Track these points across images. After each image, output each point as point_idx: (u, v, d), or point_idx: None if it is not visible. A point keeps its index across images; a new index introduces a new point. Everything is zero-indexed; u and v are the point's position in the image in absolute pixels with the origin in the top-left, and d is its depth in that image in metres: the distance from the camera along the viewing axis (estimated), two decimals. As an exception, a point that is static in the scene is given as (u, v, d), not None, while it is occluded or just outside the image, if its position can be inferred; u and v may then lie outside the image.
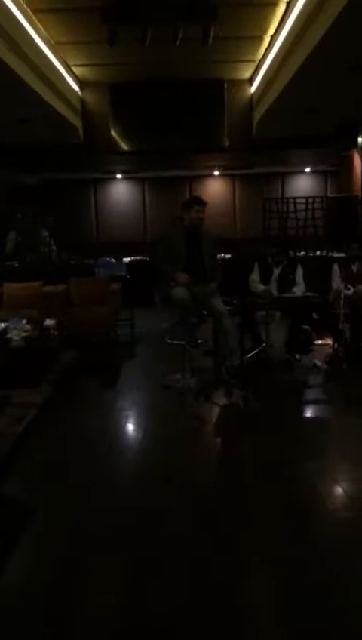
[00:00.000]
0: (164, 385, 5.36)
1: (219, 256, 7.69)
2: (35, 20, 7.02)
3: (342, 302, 5.74)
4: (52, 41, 7.84)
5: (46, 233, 11.66)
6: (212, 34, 7.18)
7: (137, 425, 4.51)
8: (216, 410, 4.88)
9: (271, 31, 7.76)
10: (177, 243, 5.38)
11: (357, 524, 2.90)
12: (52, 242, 11.59)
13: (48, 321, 5.99)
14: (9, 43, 6.03)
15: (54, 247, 11.53)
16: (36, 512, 3.09)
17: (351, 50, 5.94)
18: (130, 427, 4.48)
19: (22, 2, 6.45)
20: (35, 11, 6.87)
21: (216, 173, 13.39)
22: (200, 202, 5.44)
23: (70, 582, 2.48)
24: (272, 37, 7.89)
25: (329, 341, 6.21)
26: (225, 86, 10.26)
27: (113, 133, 10.40)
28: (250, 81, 10.23)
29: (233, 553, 2.67)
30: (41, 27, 7.28)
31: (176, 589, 2.41)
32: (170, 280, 5.28)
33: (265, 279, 5.96)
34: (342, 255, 6.34)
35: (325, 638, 2.13)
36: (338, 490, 3.28)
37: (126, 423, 4.54)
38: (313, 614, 2.24)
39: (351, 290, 5.91)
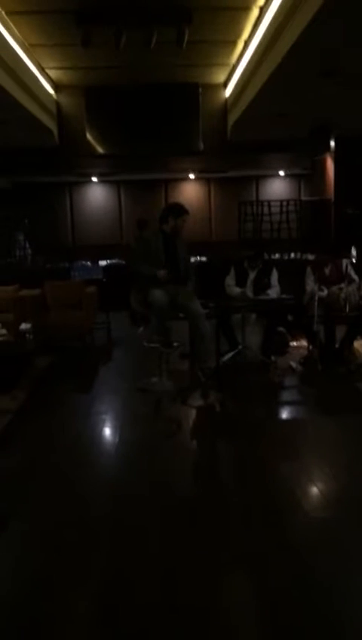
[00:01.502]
0: (140, 388, 5.35)
1: (193, 259, 7.75)
2: (10, 22, 6.97)
3: (316, 304, 5.81)
4: (26, 44, 7.79)
5: (21, 237, 11.57)
6: (186, 38, 7.21)
7: (113, 429, 4.50)
8: (193, 412, 4.90)
9: (245, 35, 7.82)
10: (156, 245, 5.44)
11: (332, 524, 2.93)
12: (27, 245, 11.52)
13: (24, 325, 5.94)
14: (-18, 45, 5.98)
15: (29, 251, 11.46)
16: (7, 520, 3.06)
17: (324, 55, 6.02)
18: (107, 431, 4.46)
19: (-5, 4, 6.41)
20: (9, 13, 6.81)
21: (192, 176, 13.43)
22: (187, 211, 5.58)
23: (40, 592, 2.46)
24: (246, 41, 7.96)
25: (304, 343, 6.28)
26: (200, 90, 10.30)
27: (89, 136, 10.37)
28: (225, 85, 10.30)
29: (209, 555, 2.68)
30: (15, 29, 7.23)
31: (151, 591, 2.42)
32: (147, 281, 5.29)
33: (241, 282, 6.01)
34: (315, 258, 6.41)
35: (301, 636, 2.16)
36: (314, 490, 3.32)
37: (102, 427, 4.53)
38: (288, 612, 2.26)
39: (325, 292, 5.98)
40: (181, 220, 5.50)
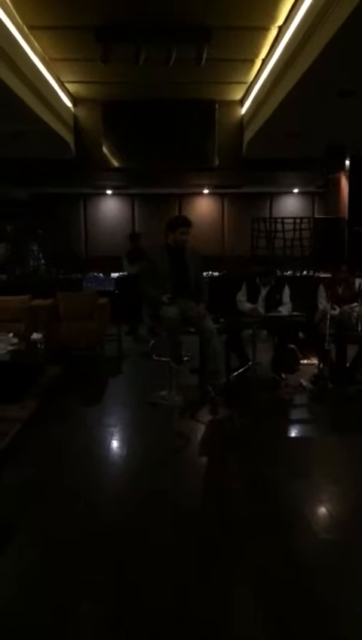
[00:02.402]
0: (149, 402, 5.35)
1: (206, 274, 7.71)
2: (31, 37, 7.09)
3: (327, 322, 5.79)
4: (46, 58, 7.91)
5: (35, 247, 11.67)
6: (205, 56, 7.29)
7: (122, 442, 4.49)
8: (202, 428, 4.88)
9: (263, 54, 7.89)
10: (162, 265, 5.35)
11: (340, 544, 2.90)
12: (41, 256, 11.61)
13: (35, 335, 5.97)
14: (4, 58, 6.07)
15: (43, 261, 11.54)
16: (17, 528, 3.06)
17: (341, 75, 6.06)
18: (116, 444, 4.46)
19: (18, 19, 6.52)
20: (31, 28, 6.93)
21: (206, 191, 13.52)
22: (185, 223, 5.38)
23: (50, 600, 2.46)
24: (264, 60, 8.03)
25: (315, 361, 6.25)
26: (217, 106, 10.38)
27: (105, 149, 10.47)
28: (241, 102, 10.38)
29: (217, 572, 2.66)
30: (36, 43, 7.35)
31: (159, 602, 2.40)
32: (155, 302, 5.27)
33: (253, 298, 6.00)
34: (328, 276, 6.40)
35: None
36: (322, 510, 3.29)
37: (111, 439, 4.52)
38: (294, 629, 2.24)
39: (337, 310, 5.97)
40: (180, 233, 5.30)
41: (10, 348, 5.54)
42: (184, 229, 5.33)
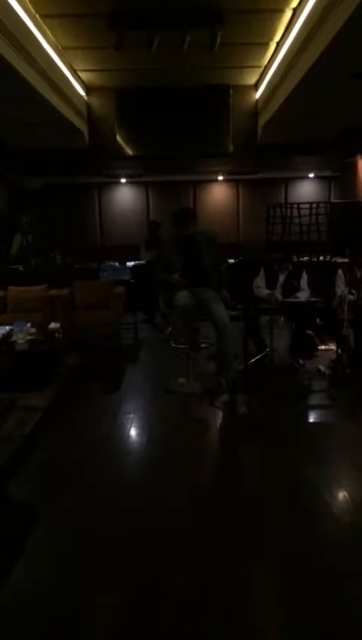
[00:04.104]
0: (167, 389, 5.37)
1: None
2: (43, 25, 7.07)
3: (345, 307, 5.76)
4: (59, 47, 7.90)
5: (50, 237, 11.68)
6: (218, 40, 7.24)
7: (142, 429, 4.52)
8: (220, 414, 4.89)
9: (277, 37, 7.81)
10: (171, 253, 5.35)
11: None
12: (56, 246, 11.60)
13: (53, 325, 6.00)
14: (17, 48, 6.07)
15: (58, 251, 11.54)
16: (41, 515, 3.11)
17: (357, 57, 5.97)
18: (135, 431, 4.49)
19: (30, 8, 6.50)
20: (43, 16, 6.92)
21: (220, 178, 13.43)
22: (187, 218, 5.35)
23: (74, 585, 2.50)
24: (278, 43, 7.94)
25: (333, 346, 6.22)
26: (231, 91, 10.31)
27: (118, 137, 10.46)
28: (256, 86, 10.28)
29: (238, 557, 2.68)
30: (49, 32, 7.34)
31: (181, 590, 2.43)
32: (170, 288, 5.27)
33: (271, 285, 5.97)
34: (347, 260, 6.35)
35: (330, 636, 2.15)
36: (343, 494, 3.29)
37: (130, 426, 4.56)
38: (316, 614, 2.26)
39: (355, 295, 5.93)
40: (183, 228, 5.28)
41: (29, 338, 5.58)
42: (186, 224, 5.32)
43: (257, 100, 10.37)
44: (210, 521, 3.05)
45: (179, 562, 2.66)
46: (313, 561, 2.63)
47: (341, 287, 6.05)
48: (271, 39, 7.92)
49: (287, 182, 13.68)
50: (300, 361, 5.90)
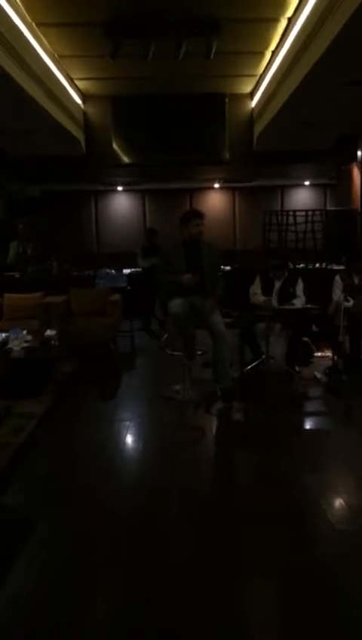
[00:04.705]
0: (164, 396, 5.36)
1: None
2: (39, 34, 7.10)
3: (341, 314, 5.77)
4: (55, 55, 7.93)
5: (46, 244, 11.67)
6: (214, 49, 7.27)
7: (138, 436, 4.51)
8: (216, 421, 4.88)
9: (273, 46, 7.85)
10: (177, 260, 5.30)
11: (359, 536, 2.90)
12: (52, 253, 11.58)
13: (49, 332, 6.00)
14: (13, 56, 6.09)
15: (55, 258, 11.51)
16: (37, 523, 3.09)
17: (352, 65, 6.01)
18: (131, 438, 4.48)
19: (26, 16, 6.53)
20: (39, 25, 6.95)
21: (217, 185, 13.47)
22: (197, 215, 5.37)
23: (70, 592, 2.48)
24: (273, 52, 7.99)
25: (329, 353, 6.22)
26: (227, 100, 10.37)
27: (115, 145, 10.49)
28: (251, 95, 10.34)
29: (233, 564, 2.67)
30: (45, 40, 7.37)
31: (176, 598, 2.42)
32: (172, 289, 5.25)
33: (267, 292, 5.97)
34: (343, 267, 6.37)
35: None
36: (339, 501, 3.28)
37: (126, 433, 4.55)
38: (315, 621, 2.25)
39: (351, 302, 5.94)
40: (194, 225, 5.28)
41: (25, 345, 5.57)
42: (197, 221, 5.31)
43: (253, 109, 10.42)
44: (206, 527, 3.04)
45: (175, 569, 2.64)
46: (310, 569, 2.62)
47: (337, 294, 6.06)
48: (267, 48, 7.97)
49: (283, 189, 13.73)
50: (296, 368, 5.89)
